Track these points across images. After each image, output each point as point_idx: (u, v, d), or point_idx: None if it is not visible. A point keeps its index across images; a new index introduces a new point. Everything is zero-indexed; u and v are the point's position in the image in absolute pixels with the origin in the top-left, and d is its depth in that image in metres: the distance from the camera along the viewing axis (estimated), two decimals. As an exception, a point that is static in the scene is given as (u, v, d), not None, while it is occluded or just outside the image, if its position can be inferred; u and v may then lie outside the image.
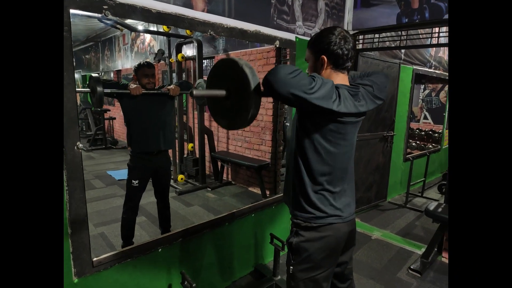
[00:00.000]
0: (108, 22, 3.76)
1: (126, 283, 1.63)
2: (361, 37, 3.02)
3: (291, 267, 1.20)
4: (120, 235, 2.40)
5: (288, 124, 2.48)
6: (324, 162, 1.14)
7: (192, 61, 4.33)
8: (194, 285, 1.62)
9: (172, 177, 4.09)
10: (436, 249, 2.61)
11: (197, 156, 4.29)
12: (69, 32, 1.22)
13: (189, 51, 4.51)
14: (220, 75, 1.14)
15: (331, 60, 1.14)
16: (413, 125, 5.73)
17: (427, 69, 4.56)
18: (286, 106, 2.65)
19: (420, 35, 3.05)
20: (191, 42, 4.13)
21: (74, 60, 1.27)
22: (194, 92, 1.02)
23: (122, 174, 4.58)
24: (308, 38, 2.37)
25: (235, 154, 4.22)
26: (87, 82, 2.13)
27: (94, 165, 5.46)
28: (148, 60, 2.41)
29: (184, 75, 4.41)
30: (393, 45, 3.34)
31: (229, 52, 4.18)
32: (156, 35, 5.52)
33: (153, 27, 4.80)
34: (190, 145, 4.36)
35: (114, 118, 7.44)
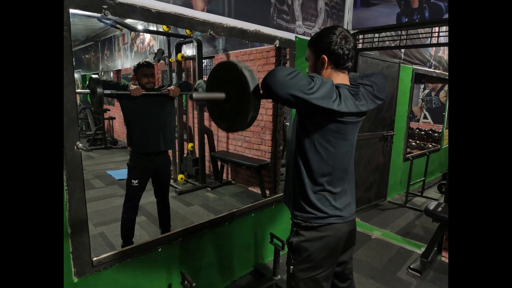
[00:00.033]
0: (107, 21, 3.75)
1: (126, 282, 1.63)
2: (360, 36, 3.02)
3: (291, 267, 1.20)
4: (120, 235, 2.40)
5: (288, 123, 2.48)
6: (325, 163, 1.14)
7: (192, 61, 4.33)
8: (194, 284, 1.62)
9: (172, 176, 4.09)
10: (436, 249, 2.61)
11: (197, 155, 4.29)
12: (68, 31, 1.22)
13: (188, 50, 4.51)
14: (219, 78, 1.14)
15: (331, 59, 1.13)
16: (413, 124, 5.73)
17: (427, 69, 4.56)
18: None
19: (420, 35, 3.05)
20: (190, 41, 4.12)
21: (73, 59, 1.27)
22: (194, 95, 1.03)
23: (122, 173, 4.57)
24: (308, 38, 2.37)
25: (235, 154, 4.22)
26: (87, 83, 2.12)
27: (94, 164, 5.46)
28: (147, 59, 2.41)
29: (183, 75, 4.41)
30: (393, 45, 3.34)
31: (229, 52, 4.18)
32: (156, 35, 5.52)
33: (152, 27, 4.80)
34: (190, 144, 4.35)
35: (114, 118, 7.44)
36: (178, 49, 4.19)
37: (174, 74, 4.35)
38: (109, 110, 7.38)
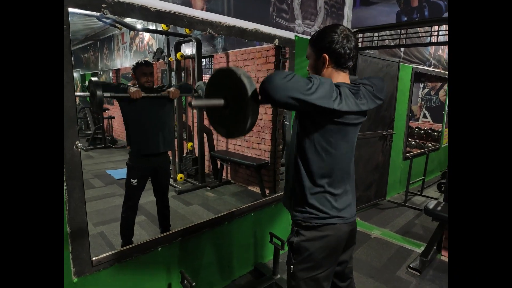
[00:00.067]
0: (106, 20, 3.75)
1: (126, 282, 1.63)
2: (360, 35, 3.02)
3: (292, 267, 1.20)
4: (120, 234, 2.40)
5: (287, 123, 2.48)
6: (325, 164, 1.13)
7: (191, 60, 4.32)
8: (193, 284, 1.62)
9: (171, 176, 4.09)
10: (435, 248, 2.61)
11: (197, 155, 4.29)
12: (67, 30, 1.22)
13: (188, 49, 4.51)
14: (218, 85, 1.15)
15: (332, 58, 1.13)
16: (413, 123, 5.73)
17: (426, 68, 4.56)
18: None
19: (420, 34, 3.05)
20: (190, 40, 4.12)
21: (72, 59, 1.27)
22: (193, 102, 1.04)
23: (121, 173, 4.57)
24: (308, 37, 2.37)
25: (234, 153, 4.22)
26: (87, 86, 2.11)
27: (93, 164, 5.45)
28: (146, 59, 2.40)
29: (183, 74, 4.41)
30: (392, 44, 3.34)
31: (228, 51, 4.18)
32: (155, 34, 5.51)
33: (152, 26, 4.79)
34: (190, 144, 4.35)
35: (113, 117, 7.43)
36: (178, 48, 4.19)
37: (173, 73, 4.34)
38: (108, 109, 7.38)
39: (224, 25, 1.79)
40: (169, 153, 2.80)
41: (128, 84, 2.64)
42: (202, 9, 1.71)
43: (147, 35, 5.97)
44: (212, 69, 4.77)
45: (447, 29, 2.62)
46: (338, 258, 1.24)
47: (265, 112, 3.71)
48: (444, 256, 2.63)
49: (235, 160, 3.96)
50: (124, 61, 6.95)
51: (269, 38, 2.07)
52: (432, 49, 4.75)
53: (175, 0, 1.59)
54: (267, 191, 3.69)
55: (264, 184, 3.70)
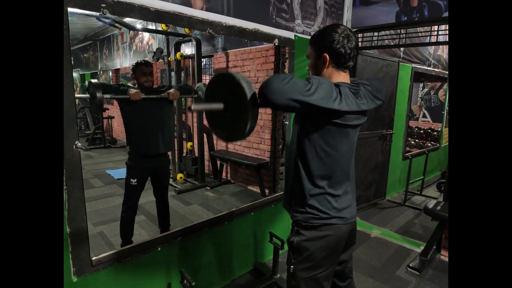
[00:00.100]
0: (106, 20, 3.75)
1: (125, 282, 1.63)
2: (360, 35, 3.02)
3: (292, 266, 1.20)
4: (119, 234, 2.40)
5: (287, 122, 2.48)
6: (325, 166, 1.13)
7: (191, 60, 4.32)
8: (193, 283, 1.62)
9: (171, 176, 4.09)
10: (435, 247, 2.62)
11: (196, 155, 4.29)
12: (67, 30, 1.22)
13: (187, 49, 4.50)
14: (217, 89, 1.15)
15: (333, 58, 1.13)
16: (412, 123, 5.74)
17: (426, 67, 4.56)
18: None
19: (419, 33, 3.05)
20: (189, 40, 4.12)
21: (72, 59, 1.27)
22: (192, 107, 1.04)
23: (121, 173, 4.57)
24: (307, 37, 2.37)
25: (234, 153, 4.22)
26: (86, 88, 2.11)
27: (93, 164, 5.45)
28: (146, 58, 2.40)
29: (182, 74, 4.40)
30: (392, 43, 3.34)
31: (228, 51, 4.17)
32: (155, 34, 5.51)
33: (151, 26, 4.79)
34: (189, 144, 4.35)
35: (113, 117, 7.42)
36: (177, 48, 4.18)
37: (173, 73, 4.34)
38: (108, 109, 7.37)
39: (224, 24, 1.79)
40: (169, 153, 2.81)
41: (128, 84, 2.64)
42: (201, 9, 1.71)
43: (146, 35, 5.97)
44: (212, 69, 4.77)
45: (447, 28, 2.62)
46: (338, 258, 1.24)
47: (265, 112, 3.71)
48: (444, 256, 2.64)
49: (234, 160, 3.96)
50: (124, 61, 6.94)
51: (269, 38, 2.07)
52: (431, 48, 4.75)
53: (175, 0, 1.59)
54: (266, 191, 3.69)
55: (263, 183, 3.70)
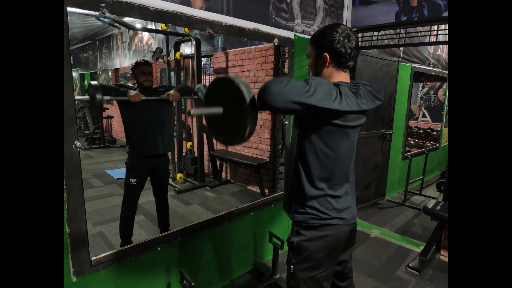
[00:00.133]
0: (105, 20, 3.75)
1: (125, 282, 1.62)
2: (359, 35, 3.02)
3: (292, 266, 1.20)
4: (119, 234, 2.39)
5: (286, 122, 2.48)
6: (326, 168, 1.13)
7: (190, 59, 4.32)
8: (193, 283, 1.62)
9: (170, 175, 4.09)
10: (434, 247, 2.62)
11: (196, 154, 4.28)
12: (66, 30, 1.21)
13: (187, 49, 4.50)
14: (217, 93, 1.15)
15: (333, 58, 1.12)
16: (412, 123, 5.74)
17: (425, 67, 4.56)
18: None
19: (419, 33, 3.05)
20: (189, 40, 4.11)
21: (71, 58, 1.26)
22: (192, 111, 1.04)
23: (120, 173, 4.56)
24: (307, 36, 2.37)
25: (233, 153, 4.22)
26: (86, 90, 2.11)
27: (92, 164, 5.44)
28: (145, 58, 2.40)
29: (182, 73, 4.40)
30: (391, 43, 3.34)
31: (228, 50, 4.17)
32: (154, 33, 5.50)
33: (151, 25, 4.79)
34: (189, 143, 4.35)
35: (112, 117, 7.42)
36: (177, 48, 4.18)
37: (172, 73, 4.34)
38: (107, 109, 7.37)
39: (223, 24, 1.78)
40: (169, 153, 2.80)
41: (128, 84, 2.63)
42: (201, 8, 1.71)
43: (146, 35, 5.97)
44: (212, 68, 4.77)
45: (446, 28, 2.62)
46: (338, 258, 1.24)
47: (264, 112, 3.70)
48: (443, 256, 2.64)
49: (234, 159, 3.95)
50: (123, 60, 6.94)
51: (269, 37, 2.07)
52: (431, 48, 4.75)
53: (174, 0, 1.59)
54: (266, 191, 3.69)
55: (263, 183, 3.70)
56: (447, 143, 5.29)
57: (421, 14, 2.35)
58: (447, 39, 2.92)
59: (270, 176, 3.76)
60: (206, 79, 4.94)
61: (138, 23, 4.91)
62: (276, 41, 2.11)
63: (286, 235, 1.27)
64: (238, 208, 2.14)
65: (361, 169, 3.45)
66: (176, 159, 4.32)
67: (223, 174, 4.40)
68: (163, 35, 4.34)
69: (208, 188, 4.08)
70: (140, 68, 2.25)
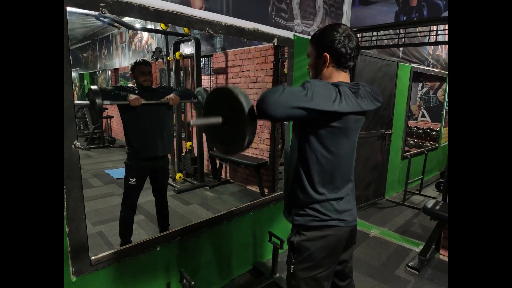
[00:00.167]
0: (105, 20, 3.75)
1: (125, 281, 1.62)
2: (359, 35, 3.02)
3: (292, 266, 1.20)
4: (118, 234, 2.39)
5: (286, 122, 2.48)
6: (326, 171, 1.13)
7: (190, 59, 4.32)
8: (192, 283, 1.62)
9: (170, 175, 4.08)
10: (434, 247, 2.62)
11: (196, 154, 4.28)
12: (66, 30, 1.21)
13: (187, 49, 4.50)
14: (216, 103, 1.16)
15: (333, 58, 1.12)
16: (411, 123, 5.74)
17: (425, 67, 4.56)
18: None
19: (418, 33, 3.05)
20: (189, 40, 4.11)
21: (71, 58, 1.26)
22: (192, 122, 1.06)
23: (120, 172, 4.56)
24: (307, 36, 2.37)
25: (233, 153, 4.21)
26: (86, 94, 2.11)
27: (92, 163, 5.44)
28: (145, 58, 2.40)
29: (182, 73, 4.40)
30: (391, 43, 3.34)
31: (227, 50, 4.17)
32: (154, 33, 5.50)
33: (150, 25, 4.78)
34: (189, 143, 4.35)
35: (112, 117, 7.42)
36: (176, 48, 4.18)
37: (172, 73, 4.34)
38: (107, 109, 7.36)
39: (223, 24, 1.78)
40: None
41: (128, 84, 2.63)
42: (200, 8, 1.71)
43: (145, 35, 5.96)
44: (211, 68, 4.77)
45: (446, 28, 2.62)
46: (338, 257, 1.24)
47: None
48: (443, 255, 2.64)
49: (234, 159, 3.96)
50: (123, 60, 6.94)
51: (268, 37, 2.07)
52: (430, 48, 4.75)
53: (174, -1, 1.58)
54: (266, 191, 3.69)
55: (263, 183, 3.70)
56: (447, 143, 5.30)
57: (421, 14, 2.35)
58: (446, 39, 2.92)
59: (270, 176, 3.77)
60: (206, 79, 4.94)
61: (137, 23, 4.91)
62: (275, 41, 2.11)
63: (285, 235, 1.27)
64: (237, 207, 2.14)
65: (360, 169, 3.45)
66: (175, 159, 4.32)
67: (223, 174, 4.40)
68: (162, 35, 4.34)
69: (208, 188, 4.08)
70: (140, 68, 2.25)
